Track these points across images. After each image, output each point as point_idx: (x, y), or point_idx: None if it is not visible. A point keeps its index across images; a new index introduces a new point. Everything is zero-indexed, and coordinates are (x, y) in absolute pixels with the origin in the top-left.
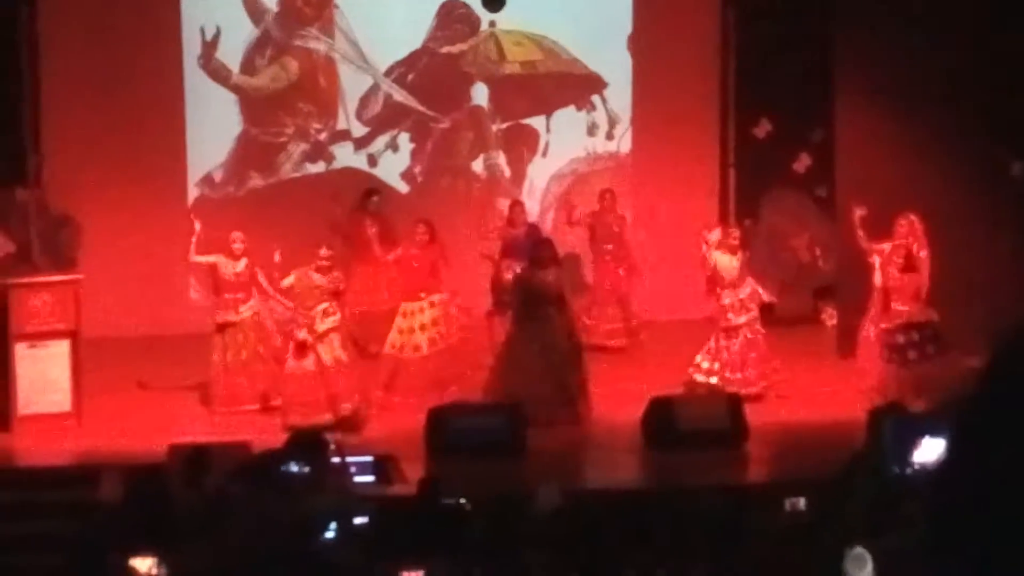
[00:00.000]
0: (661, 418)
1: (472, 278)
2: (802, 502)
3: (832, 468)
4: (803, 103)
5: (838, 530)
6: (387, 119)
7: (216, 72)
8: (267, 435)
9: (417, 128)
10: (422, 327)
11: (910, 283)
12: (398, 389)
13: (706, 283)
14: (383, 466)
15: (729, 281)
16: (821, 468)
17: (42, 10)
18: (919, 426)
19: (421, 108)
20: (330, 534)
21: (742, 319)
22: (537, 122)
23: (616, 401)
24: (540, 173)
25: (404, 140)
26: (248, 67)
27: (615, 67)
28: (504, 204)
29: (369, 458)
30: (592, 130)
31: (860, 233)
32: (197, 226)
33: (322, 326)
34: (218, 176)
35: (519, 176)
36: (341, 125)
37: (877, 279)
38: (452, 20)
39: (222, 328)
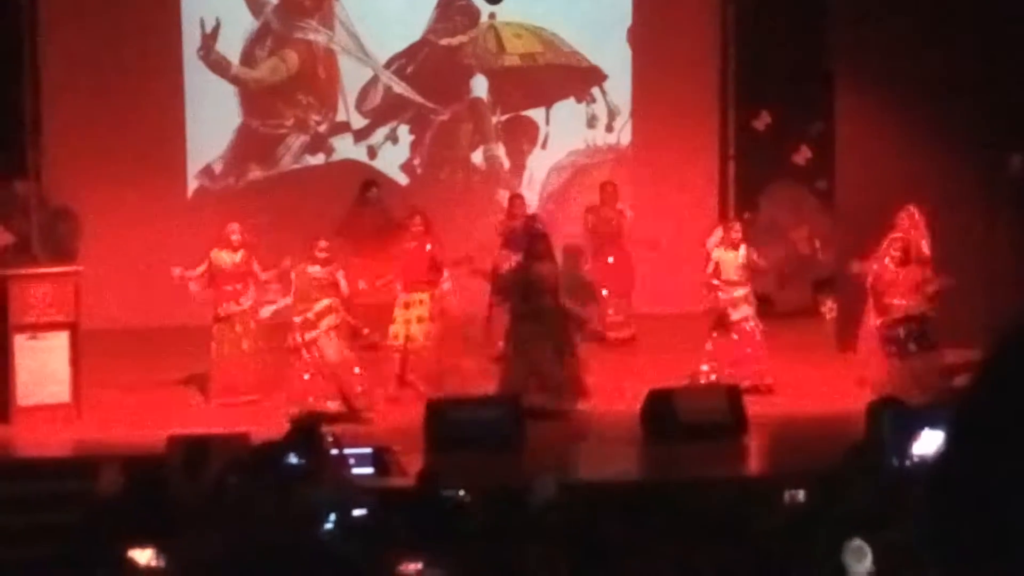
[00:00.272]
0: (660, 410)
1: (469, 273)
2: (801, 494)
3: (831, 460)
4: (803, 95)
5: (837, 522)
6: (387, 111)
7: (216, 64)
8: (266, 427)
9: (417, 120)
10: (419, 319)
11: (908, 276)
12: (411, 380)
13: (706, 281)
14: (382, 458)
15: (730, 278)
16: (820, 460)
17: (42, 2)
18: (918, 418)
19: (421, 100)
20: (329, 525)
21: (738, 315)
22: (537, 114)
23: (615, 393)
24: (539, 165)
25: (404, 132)
26: (248, 59)
27: (615, 59)
28: (504, 196)
29: (368, 450)
30: (592, 122)
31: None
32: (203, 267)
33: (323, 322)
34: (218, 168)
35: (518, 168)
36: (341, 117)
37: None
38: (452, 12)
39: (221, 320)
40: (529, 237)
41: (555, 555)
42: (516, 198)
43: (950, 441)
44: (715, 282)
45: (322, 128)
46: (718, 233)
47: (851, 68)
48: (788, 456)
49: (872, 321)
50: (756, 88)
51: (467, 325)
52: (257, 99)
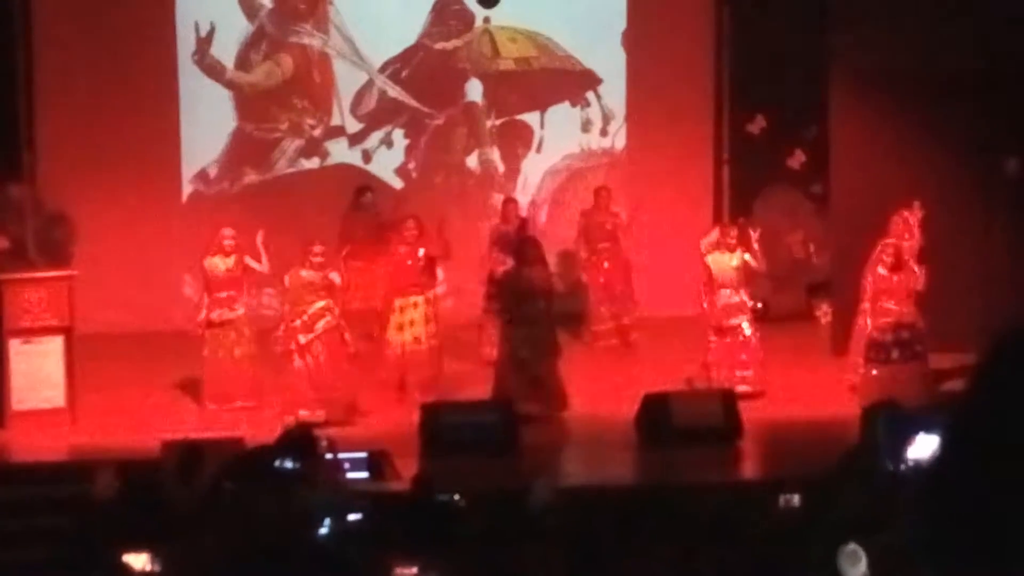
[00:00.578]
0: (655, 415)
1: (467, 274)
2: (796, 499)
3: (826, 465)
4: (798, 99)
5: (832, 527)
6: (381, 115)
7: (211, 68)
8: (260, 431)
9: (411, 124)
10: (411, 323)
11: (901, 283)
12: (410, 385)
13: (703, 285)
14: (377, 462)
15: (726, 282)
16: (815, 465)
17: (36, 7)
18: (913, 422)
19: (415, 104)
20: (324, 530)
21: (734, 321)
22: (531, 118)
23: (610, 398)
24: (534, 169)
25: (398, 136)
26: (242, 63)
27: (609, 63)
28: (498, 200)
29: (363, 454)
30: (586, 126)
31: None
32: (206, 300)
33: (318, 324)
34: (212, 172)
35: (513, 172)
36: (335, 121)
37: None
38: (446, 16)
39: (214, 325)
40: (520, 242)
41: (551, 559)
42: (510, 202)
43: (945, 445)
44: (713, 287)
45: (317, 132)
46: (713, 234)
47: (846, 72)
48: (783, 460)
49: (864, 326)
50: (751, 92)
51: (461, 329)
52: (252, 103)
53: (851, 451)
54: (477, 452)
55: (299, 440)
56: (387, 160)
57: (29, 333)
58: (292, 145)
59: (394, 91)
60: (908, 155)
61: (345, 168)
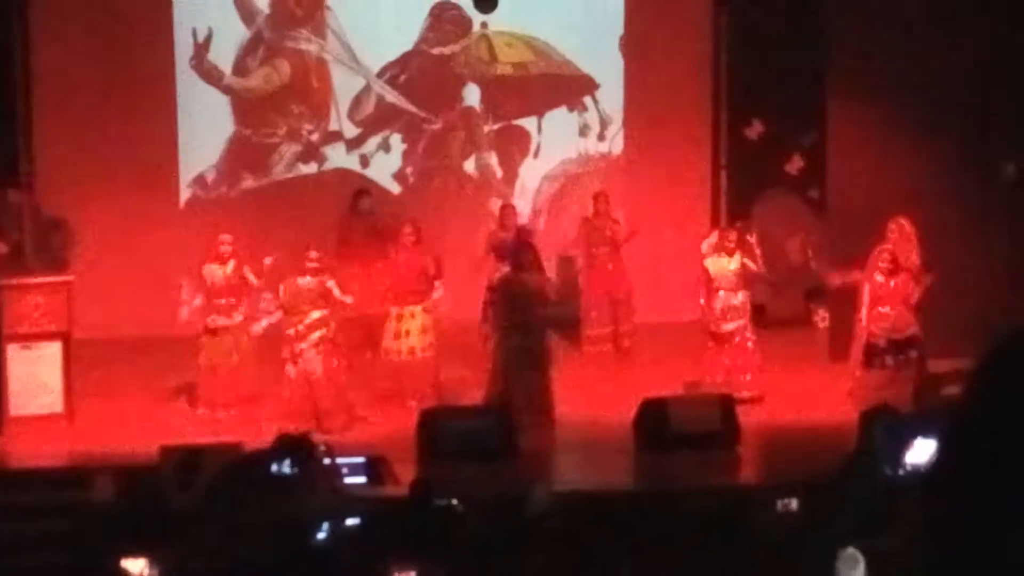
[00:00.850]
0: (654, 419)
1: (463, 281)
2: (794, 503)
3: (824, 469)
4: (795, 105)
5: (830, 531)
6: (379, 120)
7: (208, 74)
8: (258, 437)
9: (409, 129)
10: (407, 333)
11: (897, 289)
12: (405, 393)
13: (702, 288)
14: (375, 467)
15: (724, 285)
16: (813, 469)
17: (34, 12)
18: (911, 427)
19: (413, 109)
20: (322, 534)
21: (732, 326)
22: (529, 123)
23: (608, 402)
24: (532, 174)
25: (396, 141)
26: (240, 68)
27: (607, 68)
28: (496, 205)
29: (361, 459)
30: (584, 131)
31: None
32: (198, 299)
33: (313, 335)
34: (210, 177)
35: (511, 177)
36: (333, 126)
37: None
38: (443, 21)
39: (211, 332)
40: (517, 248)
41: (549, 564)
42: (507, 208)
43: (943, 449)
44: (713, 295)
45: (314, 137)
46: (713, 237)
47: (843, 77)
48: (781, 465)
49: (862, 331)
50: (748, 97)
51: (461, 334)
52: (249, 108)
53: (849, 456)
54: (475, 457)
55: (297, 445)
56: (385, 165)
57: (27, 338)
58: (290, 150)
59: (392, 96)
60: (905, 161)
61: (343, 173)
